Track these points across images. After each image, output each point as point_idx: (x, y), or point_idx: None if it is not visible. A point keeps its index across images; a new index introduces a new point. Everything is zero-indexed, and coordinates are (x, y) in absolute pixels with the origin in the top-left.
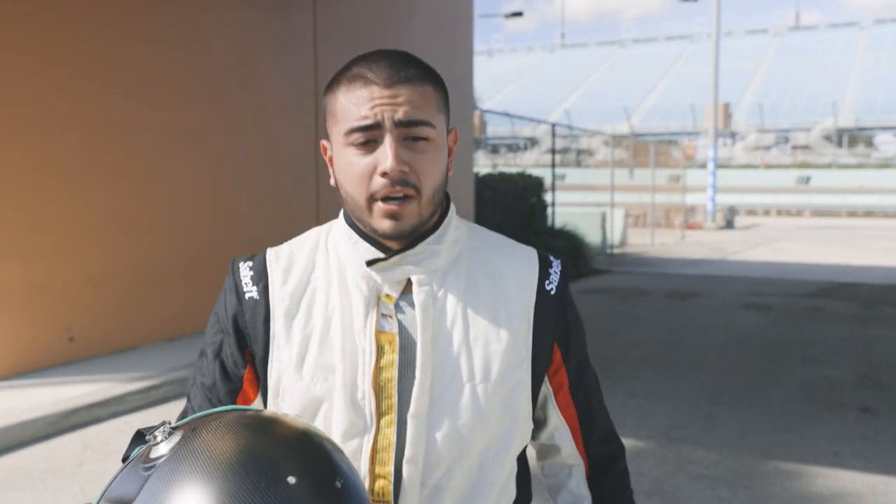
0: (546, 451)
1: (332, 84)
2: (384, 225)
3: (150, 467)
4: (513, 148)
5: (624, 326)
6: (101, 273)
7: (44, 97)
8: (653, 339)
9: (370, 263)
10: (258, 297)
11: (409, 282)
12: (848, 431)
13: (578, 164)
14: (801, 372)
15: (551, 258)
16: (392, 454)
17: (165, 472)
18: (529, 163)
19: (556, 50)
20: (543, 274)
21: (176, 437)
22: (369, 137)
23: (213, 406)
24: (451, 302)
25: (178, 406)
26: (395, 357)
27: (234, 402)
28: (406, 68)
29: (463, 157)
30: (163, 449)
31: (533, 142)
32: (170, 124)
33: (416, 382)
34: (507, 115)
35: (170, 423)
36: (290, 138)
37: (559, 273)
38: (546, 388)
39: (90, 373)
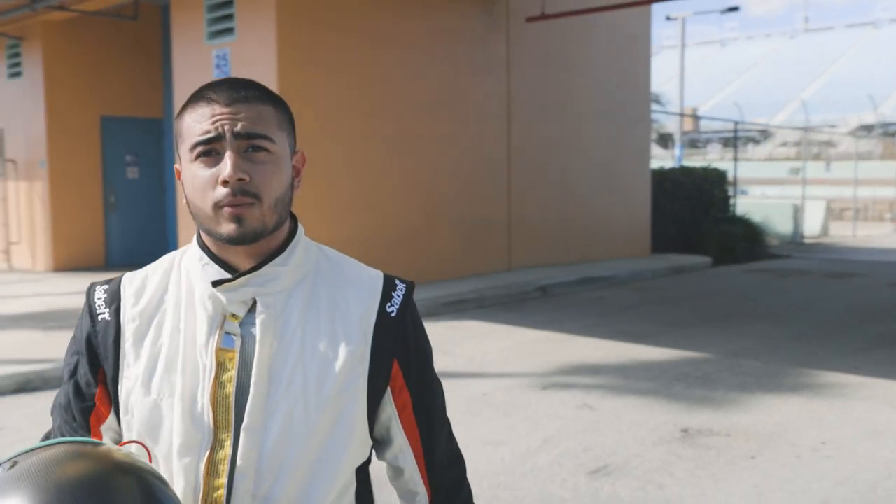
0: (393, 474)
1: (181, 111)
2: (229, 228)
3: None
4: (729, 142)
5: (762, 295)
6: (348, 236)
7: (347, 115)
8: (780, 303)
9: (216, 284)
10: (110, 318)
11: (255, 301)
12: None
13: (818, 156)
14: (881, 328)
15: (397, 282)
16: (227, 466)
17: None
18: (762, 156)
19: (797, 35)
20: (385, 296)
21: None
22: (211, 149)
23: (71, 425)
24: (292, 321)
25: None
26: (235, 373)
27: (88, 420)
28: (247, 90)
29: (640, 154)
30: None
31: (766, 135)
32: (396, 133)
33: (250, 397)
34: (695, 116)
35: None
36: (487, 142)
37: (402, 296)
38: (391, 409)
39: None
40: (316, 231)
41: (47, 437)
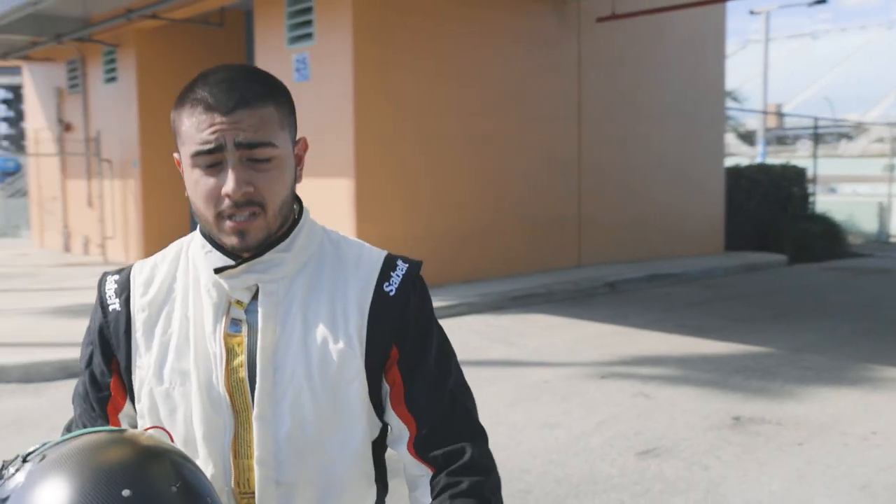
0: (392, 444)
1: (178, 103)
2: (232, 241)
3: (4, 500)
4: (823, 138)
5: (835, 292)
6: (423, 233)
7: (420, 116)
8: (853, 300)
9: (218, 271)
10: (120, 309)
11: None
12: None
13: None
14: None
15: (399, 261)
16: (253, 448)
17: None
18: (855, 153)
19: (894, 26)
20: (384, 276)
21: (26, 469)
22: (213, 161)
23: (90, 414)
24: (295, 307)
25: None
26: (244, 358)
27: (106, 409)
28: (247, 90)
29: (714, 152)
30: (15, 481)
31: (860, 130)
32: (468, 133)
33: (257, 386)
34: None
35: (21, 456)
36: (557, 141)
37: (402, 276)
38: (386, 388)
39: None
40: (391, 227)
41: (69, 427)
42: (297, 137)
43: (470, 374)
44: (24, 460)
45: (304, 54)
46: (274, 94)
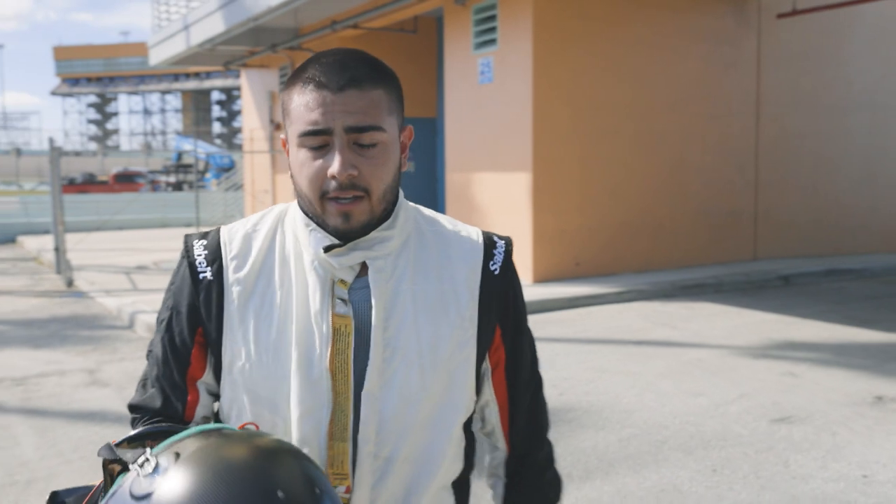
0: (478, 424)
1: (289, 82)
2: (336, 222)
3: (147, 495)
4: None
5: None
6: (598, 224)
7: (597, 113)
8: None
9: (327, 250)
10: (212, 279)
11: (363, 266)
12: None
13: None
14: None
15: (495, 238)
16: (349, 429)
17: None
18: None
19: None
20: (488, 254)
21: (162, 468)
22: (321, 142)
23: (170, 379)
24: (403, 284)
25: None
26: (351, 339)
27: (185, 377)
28: (357, 70)
29: None
30: (151, 482)
31: None
32: (645, 129)
33: (370, 363)
34: None
35: (148, 452)
36: (734, 136)
37: (503, 253)
38: (486, 365)
39: (587, 284)
40: (566, 218)
41: (144, 382)
42: (405, 129)
43: (629, 351)
44: (156, 461)
45: (488, 59)
46: (384, 77)
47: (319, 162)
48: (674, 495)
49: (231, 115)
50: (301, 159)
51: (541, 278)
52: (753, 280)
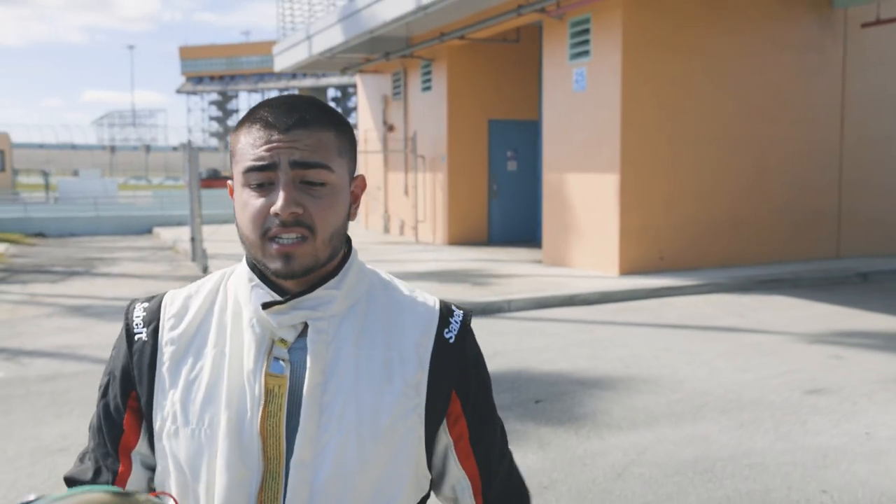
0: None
1: (237, 126)
2: (276, 264)
3: None
4: None
5: None
6: (682, 222)
7: (682, 120)
8: None
9: (266, 306)
10: (147, 339)
11: (305, 326)
12: None
13: None
14: None
15: (454, 309)
16: (281, 499)
17: None
18: None
19: None
20: (443, 322)
21: None
22: (265, 179)
23: (103, 449)
24: (345, 348)
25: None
26: (284, 401)
27: (118, 447)
28: (307, 112)
29: None
30: None
31: None
32: (728, 134)
33: (300, 429)
34: None
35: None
36: (818, 139)
37: (459, 323)
38: (447, 439)
39: (668, 277)
40: (651, 216)
41: (82, 457)
42: (356, 174)
43: (695, 335)
44: None
45: (582, 69)
46: (334, 121)
47: (262, 200)
48: (701, 441)
49: (346, 113)
50: (244, 199)
51: (625, 271)
52: (832, 276)
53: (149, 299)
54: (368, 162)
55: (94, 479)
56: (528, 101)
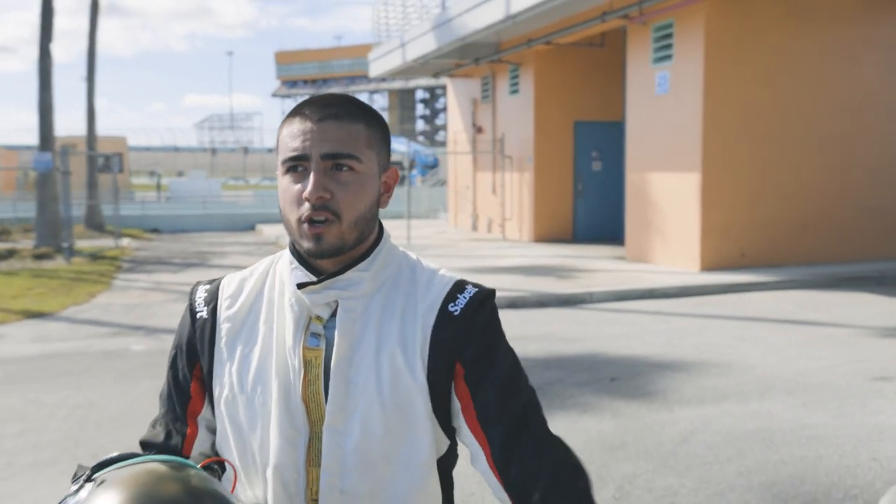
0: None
1: (283, 122)
2: (309, 244)
3: None
4: None
5: None
6: (764, 220)
7: (764, 121)
8: None
9: (301, 286)
10: (207, 317)
11: (338, 304)
12: None
13: None
14: None
15: (468, 286)
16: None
17: None
18: None
19: None
20: (450, 298)
21: (87, 489)
22: (300, 166)
23: (173, 414)
24: (370, 324)
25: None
26: (321, 371)
27: (186, 411)
28: (339, 107)
29: None
30: (76, 499)
31: None
32: (812, 133)
33: (329, 398)
34: None
35: (89, 472)
36: None
37: (468, 298)
38: (456, 406)
39: (749, 273)
40: (733, 214)
41: (154, 423)
42: (389, 166)
43: (771, 327)
44: (89, 479)
45: (664, 72)
46: (366, 115)
47: (298, 186)
48: (764, 416)
49: (434, 113)
50: (284, 185)
51: (706, 267)
52: None
53: (210, 282)
54: (458, 162)
55: (166, 442)
56: (614, 103)
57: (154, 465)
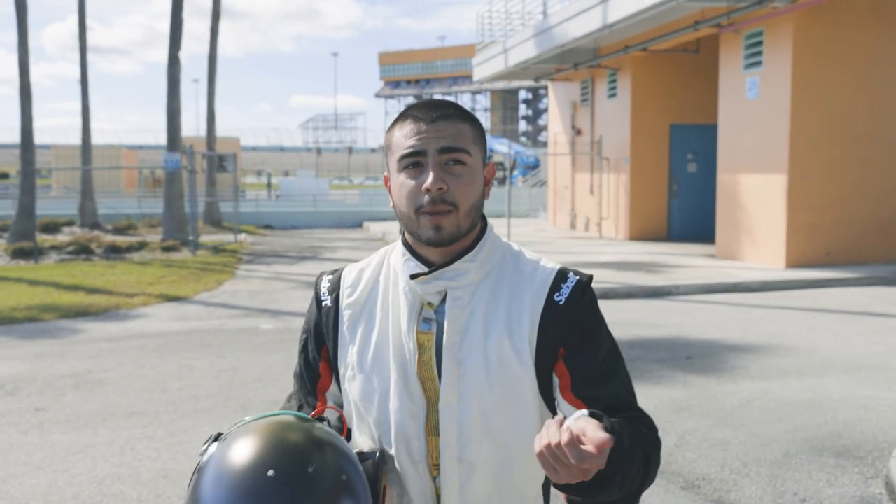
0: None
1: (391, 126)
2: (429, 233)
3: (202, 468)
4: None
5: None
6: (850, 219)
7: (850, 124)
8: None
9: (413, 277)
10: (331, 305)
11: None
12: None
13: None
14: None
15: (570, 275)
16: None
17: (199, 477)
18: None
19: None
20: (555, 287)
21: (215, 445)
22: (416, 162)
23: (305, 390)
24: (478, 311)
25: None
26: (433, 352)
27: (316, 387)
28: (448, 109)
29: None
30: (209, 454)
31: None
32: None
33: (442, 379)
34: None
35: (217, 435)
36: None
37: (571, 287)
38: (555, 381)
39: (833, 270)
40: (818, 214)
41: (290, 397)
42: (488, 165)
43: (843, 318)
44: (216, 438)
45: (754, 78)
46: (469, 117)
47: (415, 181)
48: (818, 388)
49: (536, 114)
50: (400, 181)
51: (792, 264)
52: None
53: (333, 272)
54: (557, 163)
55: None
56: (709, 106)
57: (286, 417)
